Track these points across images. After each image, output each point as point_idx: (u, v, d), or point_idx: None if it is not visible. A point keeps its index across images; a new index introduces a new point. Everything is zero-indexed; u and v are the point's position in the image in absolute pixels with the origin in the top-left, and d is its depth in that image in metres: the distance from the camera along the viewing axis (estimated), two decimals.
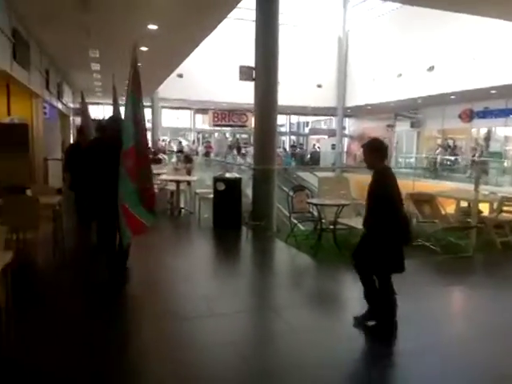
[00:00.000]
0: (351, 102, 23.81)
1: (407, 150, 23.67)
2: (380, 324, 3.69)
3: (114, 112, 6.22)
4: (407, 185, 10.65)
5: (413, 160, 22.96)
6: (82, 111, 10.41)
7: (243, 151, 24.94)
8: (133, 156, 4.21)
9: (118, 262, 4.79)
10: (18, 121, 9.67)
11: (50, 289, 4.67)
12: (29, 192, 6.31)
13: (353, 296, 4.85)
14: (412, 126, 22.63)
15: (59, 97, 13.91)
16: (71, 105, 17.01)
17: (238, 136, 28.89)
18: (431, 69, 17.19)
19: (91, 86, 16.65)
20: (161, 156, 14.36)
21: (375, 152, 3.64)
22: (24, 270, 4.86)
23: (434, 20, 15.58)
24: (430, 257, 6.22)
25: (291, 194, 7.05)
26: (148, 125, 25.10)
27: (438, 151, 20.54)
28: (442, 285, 5.37)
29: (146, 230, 4.45)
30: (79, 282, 4.87)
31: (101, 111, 21.40)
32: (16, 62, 7.72)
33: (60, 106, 14.53)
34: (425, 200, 7.08)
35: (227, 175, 8.36)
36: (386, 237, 3.53)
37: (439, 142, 21.37)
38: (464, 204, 7.67)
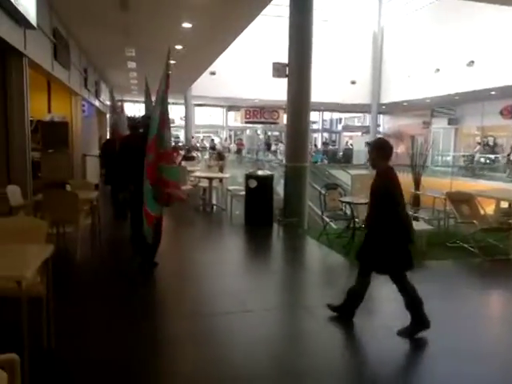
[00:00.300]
0: (386, 98, 23.33)
1: (444, 147, 22.95)
2: (411, 324, 3.58)
3: (146, 110, 6.37)
4: (445, 184, 10.34)
5: (450, 158, 22.26)
6: (114, 108, 10.73)
7: (273, 148, 24.95)
8: (153, 148, 4.46)
9: (147, 254, 5.02)
10: (58, 118, 10.03)
11: (86, 282, 4.83)
12: (68, 187, 6.54)
13: (386, 297, 4.76)
14: (449, 122, 21.92)
15: (97, 95, 14.31)
16: (108, 102, 17.47)
17: (269, 133, 28.89)
18: (471, 64, 16.58)
19: (127, 84, 17.05)
20: (194, 153, 14.52)
21: (379, 151, 3.65)
22: (63, 263, 5.05)
23: (473, 13, 15.04)
24: (467, 258, 6.02)
25: (323, 192, 6.98)
26: (181, 122, 25.57)
27: (476, 149, 19.84)
28: (479, 288, 5.19)
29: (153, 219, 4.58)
30: (114, 276, 5.00)
31: (136, 109, 21.88)
32: (57, 62, 7.99)
33: (97, 103, 14.95)
34: (463, 200, 6.85)
35: (259, 172, 8.35)
36: (386, 235, 3.53)
37: (478, 139, 20.62)
38: (504, 204, 7.36)
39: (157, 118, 4.53)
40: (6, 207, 5.01)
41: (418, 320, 3.56)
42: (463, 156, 20.56)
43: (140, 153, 4.55)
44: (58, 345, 3.11)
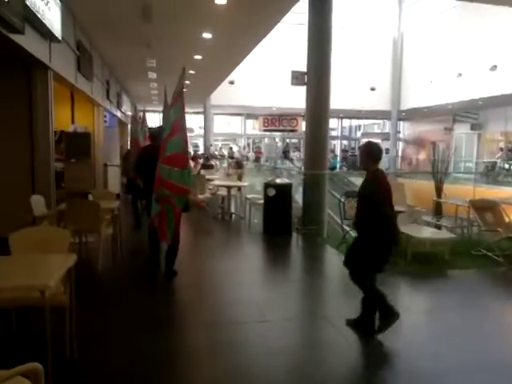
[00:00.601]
0: (406, 104, 23.06)
1: (467, 153, 22.50)
2: (384, 321, 3.64)
3: (163, 120, 6.48)
4: (467, 191, 10.11)
5: (472, 164, 21.80)
6: (134, 119, 10.94)
7: (290, 156, 25.00)
8: (162, 149, 4.72)
9: (165, 262, 5.24)
10: (81, 129, 10.27)
11: (108, 291, 4.90)
12: (90, 197, 6.65)
13: (406, 307, 4.67)
14: (472, 128, 21.49)
15: (118, 105, 14.60)
16: (129, 113, 17.79)
17: (287, 141, 28.90)
18: (494, 68, 16.27)
19: (147, 94, 17.35)
20: (213, 162, 14.62)
21: (368, 154, 3.69)
22: (86, 272, 5.13)
23: (496, 17, 14.77)
24: (491, 268, 5.87)
25: (343, 199, 6.92)
26: (200, 131, 25.85)
27: (498, 155, 19.37)
28: (503, 298, 5.04)
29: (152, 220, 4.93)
30: (135, 285, 5.05)
31: (157, 119, 22.20)
32: (80, 74, 8.20)
33: (119, 114, 15.24)
34: (487, 207, 6.70)
35: (277, 181, 8.34)
36: (371, 237, 3.58)
37: (501, 145, 20.14)
38: None
39: (168, 128, 4.76)
40: (29, 217, 5.12)
41: (366, 319, 3.69)
42: (484, 162, 20.10)
43: (155, 162, 4.79)
44: (80, 354, 3.15)
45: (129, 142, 13.63)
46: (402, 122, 26.74)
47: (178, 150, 4.69)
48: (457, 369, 3.27)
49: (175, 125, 4.73)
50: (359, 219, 3.71)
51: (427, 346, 3.60)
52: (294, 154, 25.37)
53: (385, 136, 26.81)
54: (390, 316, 3.63)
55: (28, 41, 5.21)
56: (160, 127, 5.62)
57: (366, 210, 3.60)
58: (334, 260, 6.67)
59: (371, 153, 3.69)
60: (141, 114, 11.22)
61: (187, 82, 14.32)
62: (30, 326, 3.45)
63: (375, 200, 3.53)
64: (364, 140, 28.20)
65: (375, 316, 3.74)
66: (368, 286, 3.68)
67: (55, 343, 2.71)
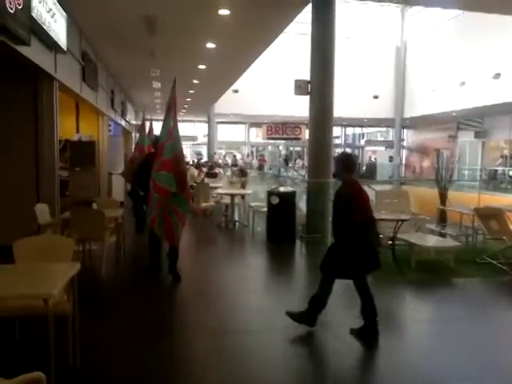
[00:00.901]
0: (410, 112, 23.08)
1: (471, 161, 22.43)
2: (365, 326, 3.76)
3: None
4: (472, 198, 10.08)
5: (476, 172, 21.71)
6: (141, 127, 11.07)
7: (290, 164, 25.09)
8: (160, 155, 4.95)
9: (169, 264, 5.47)
10: (85, 138, 10.34)
11: (111, 299, 4.90)
12: (95, 205, 6.68)
13: (413, 317, 4.65)
14: (476, 136, 21.45)
15: (123, 115, 14.72)
16: (134, 122, 17.92)
17: (291, 149, 28.95)
18: (497, 76, 16.28)
19: (152, 103, 17.48)
20: (217, 170, 14.66)
21: (343, 164, 3.86)
22: (89, 280, 5.14)
23: (499, 26, 14.79)
24: (496, 276, 5.82)
25: None
26: (204, 139, 25.98)
27: (498, 162, 19.29)
28: (509, 307, 4.99)
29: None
30: (139, 293, 5.05)
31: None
32: (85, 84, 8.28)
33: (123, 123, 15.36)
34: (492, 215, 6.66)
35: (281, 189, 8.35)
36: (345, 244, 3.73)
37: (505, 152, 20.07)
38: None
39: (163, 137, 5.02)
40: (34, 225, 5.15)
41: (369, 328, 3.73)
42: (484, 170, 20.02)
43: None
44: (83, 362, 3.15)
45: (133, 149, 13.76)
46: (405, 130, 26.74)
47: (168, 155, 4.87)
48: (463, 378, 3.24)
49: (169, 134, 4.96)
50: (334, 226, 3.87)
51: (433, 355, 3.57)
52: (295, 162, 25.47)
53: (388, 144, 26.81)
54: (308, 320, 3.84)
55: (34, 52, 5.29)
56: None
57: (340, 218, 3.77)
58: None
59: (346, 163, 3.86)
60: (148, 122, 11.33)
61: (191, 91, 14.45)
62: (33, 335, 3.45)
63: (347, 209, 3.67)
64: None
65: (377, 323, 3.75)
66: (328, 281, 3.84)
67: (58, 351, 2.71)
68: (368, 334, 3.77)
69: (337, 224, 3.83)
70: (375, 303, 3.80)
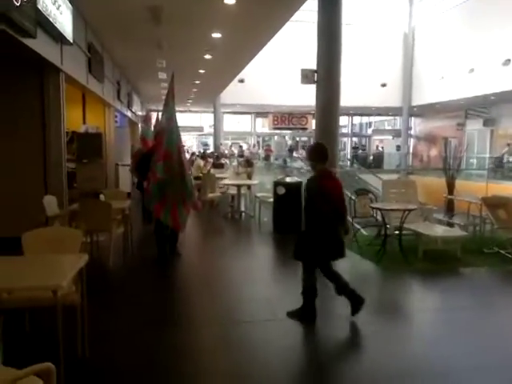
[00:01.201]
0: (417, 100, 22.84)
1: (479, 150, 22.19)
2: (300, 309, 3.92)
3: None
4: (480, 187, 9.99)
5: (484, 161, 21.46)
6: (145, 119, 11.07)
7: (295, 154, 24.98)
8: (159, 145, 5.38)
9: (169, 246, 5.90)
10: (92, 129, 10.37)
11: (118, 290, 4.96)
12: (102, 197, 6.72)
13: (420, 306, 4.65)
14: (485, 124, 21.18)
15: (129, 106, 14.71)
16: (140, 113, 17.92)
17: (297, 139, 28.82)
18: (507, 63, 16.01)
19: (158, 94, 17.43)
20: (223, 161, 14.66)
21: (315, 155, 3.97)
22: (97, 271, 5.19)
23: (509, 11, 14.52)
24: (504, 266, 5.80)
25: (353, 197, 6.88)
26: (210, 130, 25.95)
27: (505, 150, 19.04)
28: None
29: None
30: (146, 283, 5.11)
31: None
32: (91, 75, 8.28)
33: (129, 114, 15.36)
34: (500, 204, 6.60)
35: (287, 179, 8.33)
36: (313, 232, 3.87)
37: (509, 140, 19.79)
38: None
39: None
40: (42, 217, 5.20)
41: (354, 300, 3.93)
42: (490, 158, 19.77)
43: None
44: (91, 352, 3.20)
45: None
46: (413, 118, 26.48)
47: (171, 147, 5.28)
48: (474, 367, 3.24)
49: (169, 121, 5.40)
50: (304, 214, 4.02)
51: (442, 344, 3.57)
52: (298, 152, 25.39)
53: (396, 133, 26.59)
54: (308, 314, 3.92)
55: (40, 44, 5.28)
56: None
57: (308, 207, 3.94)
58: (344, 258, 6.63)
59: (318, 153, 3.96)
60: (152, 114, 11.32)
61: (197, 81, 14.39)
62: (42, 326, 3.51)
63: (315, 198, 3.82)
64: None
65: (315, 304, 3.94)
66: (309, 271, 3.95)
67: (67, 342, 2.75)
68: (357, 307, 3.92)
69: (306, 212, 3.99)
70: (345, 282, 3.99)
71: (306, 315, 3.93)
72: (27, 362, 1.84)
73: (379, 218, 6.56)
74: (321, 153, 3.95)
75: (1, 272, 2.71)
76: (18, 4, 4.17)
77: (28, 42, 4.84)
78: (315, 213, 3.83)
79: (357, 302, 3.93)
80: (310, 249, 3.88)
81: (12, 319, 3.21)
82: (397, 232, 6.15)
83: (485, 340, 3.69)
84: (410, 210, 5.93)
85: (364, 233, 7.26)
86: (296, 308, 3.98)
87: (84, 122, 10.87)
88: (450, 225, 7.34)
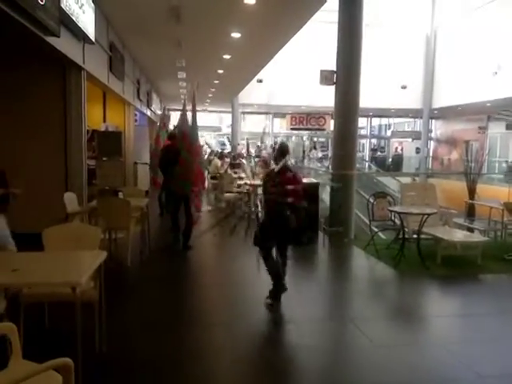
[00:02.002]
0: (438, 102, 22.45)
1: (502, 154, 21.70)
2: (273, 288, 4.36)
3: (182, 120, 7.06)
4: (502, 192, 9.76)
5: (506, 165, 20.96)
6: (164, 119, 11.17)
7: (310, 155, 24.92)
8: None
9: (183, 239, 6.42)
10: (112, 128, 10.51)
11: (135, 287, 5.01)
12: (121, 194, 6.80)
13: (437, 312, 4.57)
14: (508, 127, 20.70)
15: (148, 105, 14.86)
16: (159, 112, 18.08)
17: (315, 139, 28.67)
18: None
19: (177, 93, 17.58)
20: (239, 161, 14.66)
21: (280, 152, 4.47)
22: (115, 268, 5.26)
23: None
24: None
25: (372, 200, 6.81)
26: (228, 130, 26.02)
27: None
28: None
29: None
30: (162, 281, 5.15)
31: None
32: (112, 74, 8.39)
33: (149, 113, 15.52)
34: None
35: (304, 180, 8.27)
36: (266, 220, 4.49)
37: None
38: None
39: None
40: (62, 214, 5.28)
41: (277, 287, 4.34)
42: (506, 162, 19.31)
43: (173, 160, 6.38)
44: (109, 348, 3.23)
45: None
46: (433, 121, 26.05)
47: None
48: (498, 375, 3.17)
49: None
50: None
51: (464, 352, 3.50)
52: (310, 152, 25.34)
53: (416, 135, 26.21)
54: (277, 285, 4.36)
55: (63, 43, 5.37)
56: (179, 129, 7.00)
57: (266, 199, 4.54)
58: (361, 261, 6.59)
59: (282, 151, 4.47)
60: (171, 114, 11.40)
61: (216, 81, 14.46)
62: (61, 321, 3.56)
63: (268, 184, 4.41)
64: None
65: (284, 281, 4.39)
66: (264, 257, 4.41)
67: (85, 337, 2.79)
68: (277, 292, 4.34)
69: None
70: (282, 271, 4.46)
71: (279, 291, 4.36)
72: (46, 356, 1.87)
73: (397, 221, 6.48)
74: (284, 150, 4.48)
75: (21, 267, 2.76)
76: (43, 3, 4.25)
77: (51, 40, 4.93)
78: (265, 194, 4.47)
79: (279, 290, 4.35)
80: (259, 231, 4.46)
81: (32, 315, 3.27)
82: (415, 236, 6.06)
83: (505, 347, 3.60)
84: (428, 215, 5.83)
85: (382, 236, 7.18)
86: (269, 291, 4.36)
87: (104, 121, 11.02)
88: (470, 230, 7.20)
